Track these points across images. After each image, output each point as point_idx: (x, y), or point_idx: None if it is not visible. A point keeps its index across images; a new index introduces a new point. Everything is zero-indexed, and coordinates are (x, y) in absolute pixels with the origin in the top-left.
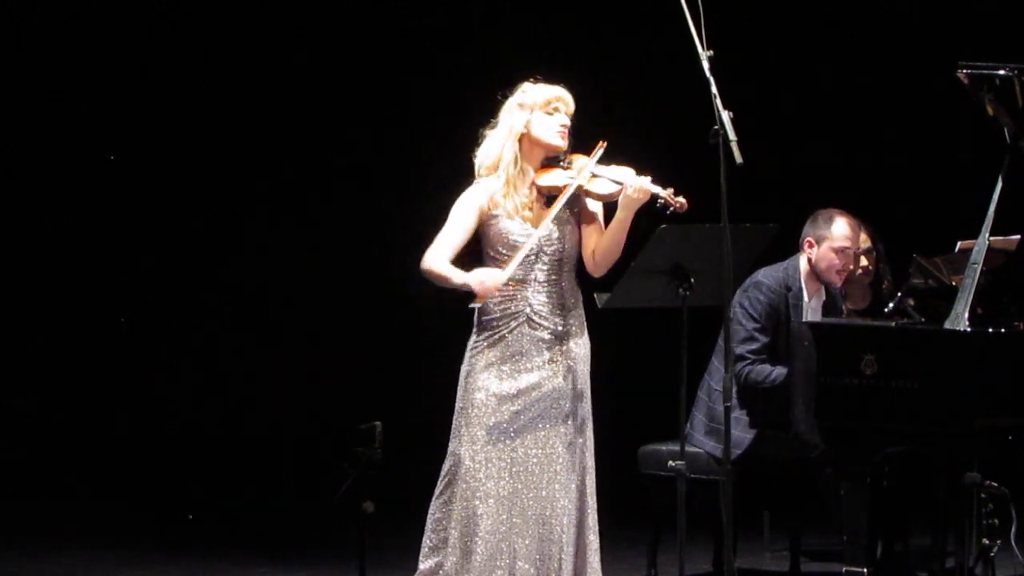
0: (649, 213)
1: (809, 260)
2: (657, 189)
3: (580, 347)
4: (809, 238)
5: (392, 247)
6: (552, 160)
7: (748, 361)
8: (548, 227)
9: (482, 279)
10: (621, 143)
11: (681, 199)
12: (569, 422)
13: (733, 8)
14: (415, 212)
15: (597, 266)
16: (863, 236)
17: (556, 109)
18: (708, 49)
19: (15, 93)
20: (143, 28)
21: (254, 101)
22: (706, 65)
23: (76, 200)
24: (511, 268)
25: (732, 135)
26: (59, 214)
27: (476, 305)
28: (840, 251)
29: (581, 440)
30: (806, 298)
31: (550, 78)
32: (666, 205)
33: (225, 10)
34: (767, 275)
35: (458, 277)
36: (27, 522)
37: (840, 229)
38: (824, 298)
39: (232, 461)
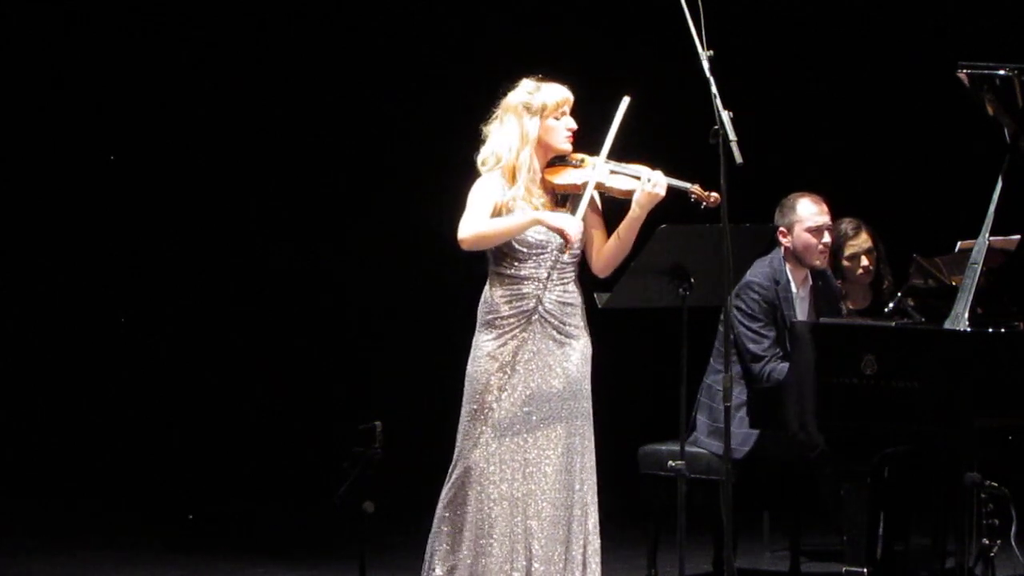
0: (676, 210)
1: (787, 249)
2: (684, 184)
3: (585, 346)
4: (781, 228)
5: (390, 247)
6: (558, 158)
7: (766, 359)
8: (581, 217)
9: (571, 229)
10: (621, 143)
11: (714, 194)
12: (577, 422)
13: (733, 8)
14: (415, 212)
15: (605, 266)
16: (864, 236)
17: (564, 113)
18: (708, 49)
19: (15, 93)
20: (143, 28)
21: (252, 100)
22: (706, 65)
23: (76, 200)
24: (580, 214)
25: (732, 135)
26: (59, 214)
27: (568, 254)
28: (814, 230)
29: (586, 441)
30: (794, 289)
31: (552, 76)
32: (699, 200)
33: (228, 8)
34: (755, 274)
35: (529, 218)
36: (27, 522)
37: (806, 209)
38: (811, 283)
39: (232, 461)
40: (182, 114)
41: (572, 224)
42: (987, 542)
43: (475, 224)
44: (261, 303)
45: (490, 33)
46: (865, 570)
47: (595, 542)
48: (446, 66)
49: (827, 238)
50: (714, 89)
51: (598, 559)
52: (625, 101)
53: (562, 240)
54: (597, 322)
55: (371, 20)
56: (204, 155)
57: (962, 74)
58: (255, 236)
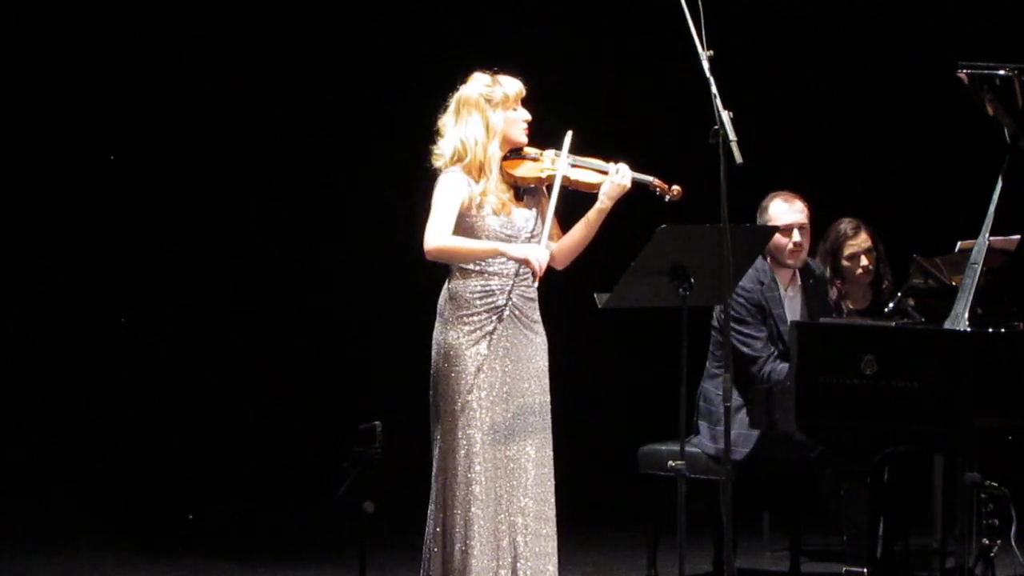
0: (648, 206)
1: (767, 251)
2: (646, 178)
3: (545, 340)
4: None
5: (390, 247)
6: (514, 150)
7: (762, 360)
8: (552, 212)
9: (536, 257)
10: (621, 143)
11: (676, 187)
12: (547, 415)
13: (733, 8)
14: (413, 210)
15: (567, 258)
16: (864, 236)
17: (520, 104)
18: (708, 49)
19: (15, 93)
20: (143, 28)
21: (252, 100)
22: (706, 65)
23: (76, 200)
24: (544, 242)
25: (732, 135)
26: (59, 214)
27: (536, 284)
28: (784, 230)
29: (550, 433)
30: (781, 288)
31: (552, 75)
32: (662, 193)
33: (228, 8)
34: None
35: (491, 247)
36: (27, 522)
37: (776, 208)
38: (800, 282)
39: (232, 461)
40: (182, 114)
41: (536, 254)
42: (987, 542)
43: (441, 238)
44: (261, 303)
45: (490, 33)
46: (865, 570)
47: (553, 528)
48: (446, 66)
49: (797, 237)
50: (714, 89)
51: (555, 548)
52: (569, 135)
53: (531, 230)
54: (597, 322)
55: (371, 20)
56: (204, 155)
57: (962, 74)
58: (255, 236)
